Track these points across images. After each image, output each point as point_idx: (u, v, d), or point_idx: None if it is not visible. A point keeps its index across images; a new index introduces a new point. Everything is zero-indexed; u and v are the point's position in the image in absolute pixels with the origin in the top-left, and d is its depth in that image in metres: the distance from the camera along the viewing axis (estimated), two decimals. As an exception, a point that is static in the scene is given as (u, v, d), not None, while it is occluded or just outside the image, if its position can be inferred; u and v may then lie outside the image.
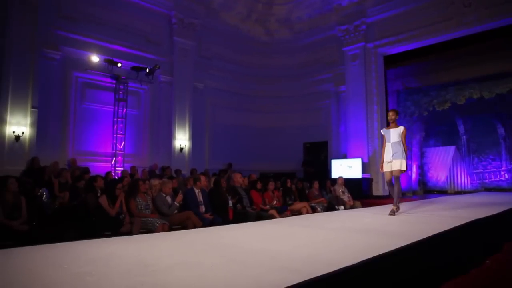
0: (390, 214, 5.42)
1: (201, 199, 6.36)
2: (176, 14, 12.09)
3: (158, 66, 11.10)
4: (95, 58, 10.11)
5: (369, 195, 11.68)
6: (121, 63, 10.44)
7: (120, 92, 10.87)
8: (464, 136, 14.83)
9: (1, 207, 4.68)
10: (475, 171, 14.55)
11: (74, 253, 3.07)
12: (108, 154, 10.69)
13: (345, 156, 12.75)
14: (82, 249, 3.28)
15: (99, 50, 10.33)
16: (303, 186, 8.96)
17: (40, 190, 6.43)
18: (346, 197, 8.78)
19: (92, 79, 10.54)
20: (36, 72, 9.14)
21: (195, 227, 5.40)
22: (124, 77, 10.80)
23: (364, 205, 8.82)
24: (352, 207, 8.46)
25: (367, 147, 12.25)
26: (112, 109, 10.77)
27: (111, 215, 5.25)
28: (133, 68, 10.87)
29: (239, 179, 7.54)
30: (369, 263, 2.47)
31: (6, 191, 4.81)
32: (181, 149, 12.12)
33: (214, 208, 6.41)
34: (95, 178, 6.15)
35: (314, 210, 7.77)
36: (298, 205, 7.86)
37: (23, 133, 8.85)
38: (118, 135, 10.77)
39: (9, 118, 8.70)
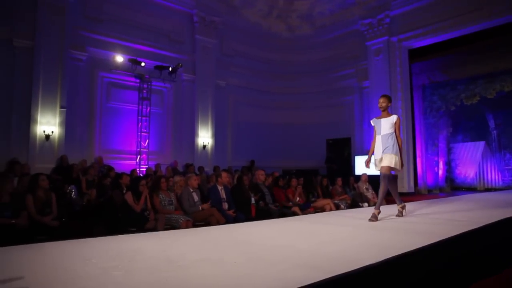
0: (370, 220, 4.48)
1: (224, 196, 6.41)
2: (197, 13, 12.18)
3: (180, 64, 11.22)
4: (119, 58, 10.32)
5: (394, 192, 11.43)
6: (144, 62, 10.61)
7: (144, 91, 11.06)
8: (495, 131, 14.31)
9: (34, 204, 4.86)
10: (507, 167, 14.02)
11: (102, 248, 3.15)
12: (133, 152, 10.91)
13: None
14: (109, 244, 3.37)
15: (124, 50, 10.54)
16: (327, 183, 8.88)
17: (69, 187, 6.64)
18: (370, 194, 8.65)
19: (117, 79, 10.77)
20: (64, 73, 9.43)
21: (218, 223, 5.44)
22: (147, 76, 10.98)
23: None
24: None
25: (392, 143, 12.00)
26: (136, 108, 10.98)
27: (136, 211, 5.36)
28: (156, 67, 11.03)
29: (261, 176, 7.55)
30: (393, 262, 2.43)
31: (38, 188, 4.98)
32: (204, 146, 12.23)
33: (237, 205, 6.44)
34: (120, 175, 6.29)
35: (337, 207, 7.68)
36: (321, 202, 7.80)
37: (52, 132, 9.15)
38: (142, 133, 10.97)
39: (39, 118, 9.02)
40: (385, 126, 4.83)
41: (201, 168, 10.59)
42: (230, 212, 6.19)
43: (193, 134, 12.10)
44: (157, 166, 10.24)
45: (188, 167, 10.49)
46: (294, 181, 7.90)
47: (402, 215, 4.88)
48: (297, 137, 14.63)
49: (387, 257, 2.44)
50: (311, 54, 14.69)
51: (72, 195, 6.55)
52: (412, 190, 12.10)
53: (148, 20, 11.29)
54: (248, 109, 14.14)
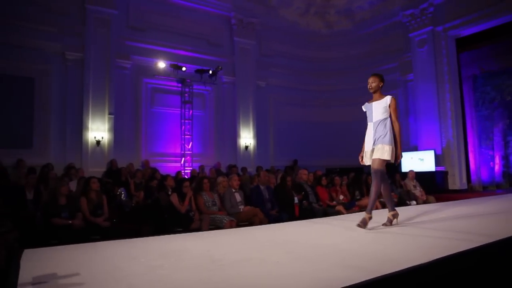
0: (358, 225, 3.75)
1: (267, 196, 6.43)
2: (235, 15, 12.32)
3: (220, 67, 11.40)
4: (161, 64, 10.67)
5: (444, 189, 10.91)
6: (185, 67, 10.90)
7: (186, 94, 11.36)
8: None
9: (87, 205, 5.15)
10: None
11: (149, 248, 3.28)
12: (177, 154, 11.24)
13: (416, 149, 12.05)
14: (156, 244, 3.50)
15: (165, 56, 10.88)
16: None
17: (119, 190, 6.97)
18: (418, 191, 8.30)
19: (160, 84, 11.14)
20: (111, 81, 9.92)
21: (261, 224, 5.47)
22: (189, 80, 11.26)
23: (439, 200, 8.27)
24: (425, 202, 7.97)
25: (440, 138, 11.45)
26: (179, 111, 11.30)
27: (182, 212, 5.51)
28: (197, 71, 11.28)
29: (304, 176, 7.49)
30: (442, 263, 2.32)
31: (90, 191, 5.27)
32: (246, 147, 12.34)
33: (280, 205, 6.44)
34: (165, 177, 6.49)
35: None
36: (366, 200, 7.57)
37: (102, 138, 9.65)
38: (185, 136, 11.27)
39: (90, 125, 9.55)
40: (377, 111, 4.03)
41: (244, 169, 10.70)
42: (273, 212, 6.20)
43: (235, 135, 12.25)
44: (201, 167, 10.47)
45: (231, 168, 10.64)
46: (337, 180, 7.76)
47: (390, 224, 3.91)
48: (340, 135, 14.34)
49: (436, 258, 2.34)
50: (351, 50, 14.36)
51: (122, 197, 6.86)
52: (465, 187, 11.47)
53: (188, 26, 11.58)
54: (289, 108, 14.08)
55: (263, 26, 13.06)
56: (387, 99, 4.02)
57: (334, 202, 7.17)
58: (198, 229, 5.26)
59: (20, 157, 8.32)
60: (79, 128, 9.50)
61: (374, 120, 4.04)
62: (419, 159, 11.56)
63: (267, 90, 13.51)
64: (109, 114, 9.83)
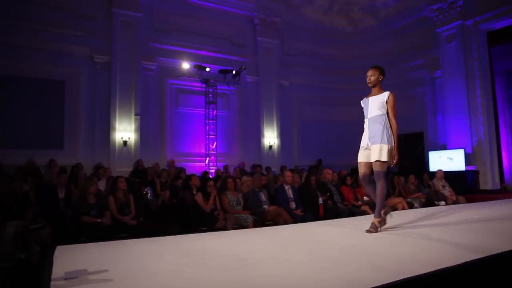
0: (368, 232, 3.54)
1: (291, 196, 6.41)
2: (258, 15, 12.33)
3: (243, 67, 11.45)
4: (185, 65, 10.82)
5: (475, 189, 10.54)
6: (209, 67, 11.00)
7: (210, 95, 11.46)
8: None
9: (115, 204, 5.29)
10: None
11: (175, 246, 3.32)
12: (202, 154, 11.36)
13: (444, 147, 11.70)
14: (181, 242, 3.55)
15: (189, 57, 11.02)
16: (398, 181, 8.46)
17: (145, 189, 7.11)
18: (447, 191, 8.06)
19: (184, 85, 11.29)
20: (136, 83, 10.14)
21: (286, 223, 5.45)
22: (212, 81, 11.37)
23: (470, 200, 8.00)
24: (454, 202, 7.74)
25: (470, 136, 11.07)
26: (203, 112, 11.41)
27: (206, 211, 5.56)
28: (221, 71, 11.37)
29: (329, 175, 7.42)
30: (473, 265, 2.24)
31: (118, 190, 5.41)
32: (270, 146, 12.33)
33: (305, 205, 6.40)
34: (190, 177, 6.58)
35: (410, 206, 7.28)
36: (393, 200, 7.44)
37: (129, 138, 9.88)
38: (210, 136, 11.38)
39: (117, 125, 9.79)
40: (373, 106, 3.74)
41: (268, 168, 10.70)
42: (298, 211, 6.17)
43: (259, 135, 12.27)
44: (225, 167, 10.55)
45: (255, 167, 10.66)
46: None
47: (376, 231, 3.55)
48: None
49: (467, 260, 2.27)
50: (376, 47, 14.08)
51: (148, 196, 7.00)
52: (498, 187, 11.04)
53: (211, 27, 11.68)
54: (312, 107, 13.98)
55: (286, 25, 13.02)
56: (385, 94, 3.73)
57: (360, 202, 7.07)
58: (223, 228, 5.30)
59: (52, 158, 8.64)
60: (107, 129, 9.76)
61: (369, 116, 3.76)
62: (448, 158, 11.22)
63: (291, 89, 13.46)
64: (135, 115, 10.06)
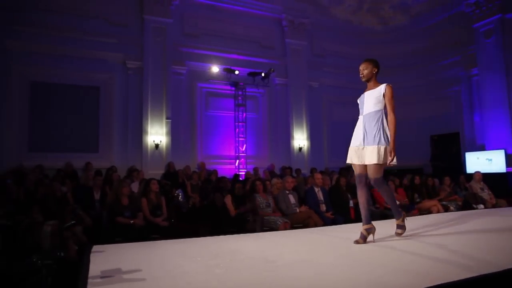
0: (397, 234, 3.43)
1: (322, 198, 6.34)
2: (286, 17, 12.31)
3: (272, 69, 11.45)
4: (215, 69, 10.95)
5: (517, 192, 10.01)
6: (238, 70, 11.08)
7: (239, 97, 11.54)
8: None
9: (147, 206, 5.42)
10: None
11: (205, 247, 3.37)
12: (232, 156, 11.45)
13: (483, 148, 11.21)
14: (212, 244, 3.59)
15: (218, 61, 11.14)
16: (433, 183, 8.18)
17: (176, 191, 7.24)
18: (486, 194, 7.70)
19: (214, 88, 11.42)
20: (167, 87, 10.37)
21: (316, 226, 5.40)
22: (242, 83, 11.43)
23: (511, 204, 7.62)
24: (494, 206, 7.39)
25: (511, 136, 10.55)
26: (233, 114, 11.50)
27: (232, 215, 5.59)
28: (250, 74, 11.42)
29: (360, 177, 7.27)
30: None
31: (150, 192, 5.54)
32: (300, 148, 12.26)
33: (335, 207, 6.32)
34: (220, 179, 6.64)
35: (446, 209, 7.02)
36: (427, 203, 7.22)
37: (160, 141, 10.10)
38: (239, 139, 11.45)
39: (149, 129, 10.05)
40: (368, 102, 3.41)
41: (298, 171, 10.63)
42: (328, 214, 6.10)
43: (288, 137, 12.22)
44: (255, 169, 10.57)
45: (284, 169, 10.62)
46: (396, 181, 7.46)
47: (364, 241, 3.25)
48: (397, 135, 13.74)
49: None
50: (408, 46, 13.71)
51: (179, 198, 7.12)
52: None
53: (239, 30, 11.77)
54: (343, 108, 13.75)
55: (314, 26, 12.92)
56: (381, 87, 3.41)
57: (392, 205, 6.88)
58: (253, 230, 5.31)
59: (88, 161, 8.97)
60: (139, 132, 10.02)
61: (364, 113, 3.42)
62: (486, 159, 10.75)
63: (320, 91, 13.33)
64: (167, 118, 10.28)
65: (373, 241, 3.29)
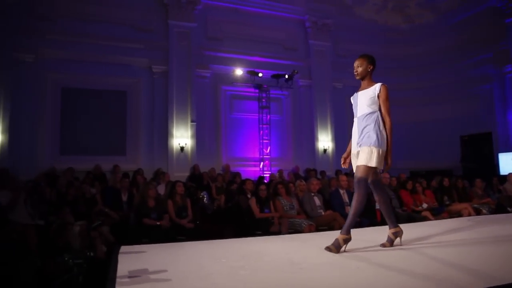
0: (327, 249, 3.01)
1: (347, 200, 6.26)
2: (309, 18, 12.25)
3: (296, 71, 11.40)
4: (239, 71, 11.01)
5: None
6: (262, 72, 11.10)
7: (263, 100, 11.56)
8: None
9: (173, 208, 5.51)
10: None
11: (230, 249, 3.39)
12: (256, 159, 11.47)
13: (517, 148, 10.78)
14: (237, 245, 3.60)
15: (242, 64, 11.20)
16: (463, 185, 7.92)
17: (201, 193, 7.32)
18: (521, 196, 7.39)
19: (238, 91, 11.50)
20: (192, 90, 10.52)
21: (341, 228, 5.30)
22: (265, 86, 11.45)
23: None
24: (530, 208, 7.07)
25: (547, 135, 10.09)
26: (257, 117, 11.52)
27: (257, 217, 5.59)
28: (273, 76, 11.41)
29: (386, 179, 7.14)
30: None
31: (176, 194, 5.63)
32: (325, 150, 12.15)
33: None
34: (244, 181, 6.66)
35: (478, 212, 6.78)
36: (457, 206, 6.99)
37: (186, 144, 10.25)
38: (264, 141, 11.46)
39: (175, 132, 10.22)
40: (362, 103, 3.20)
41: (322, 173, 10.53)
42: (354, 216, 6.00)
43: (313, 139, 12.13)
44: (280, 171, 10.55)
45: (309, 171, 10.55)
46: (423, 183, 7.27)
47: (391, 245, 3.15)
48: (425, 135, 13.40)
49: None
50: (435, 44, 13.35)
51: (204, 200, 7.20)
52: None
53: (262, 32, 11.80)
54: (367, 109, 13.56)
55: (338, 26, 12.78)
56: (376, 87, 3.19)
57: (420, 207, 6.71)
58: (278, 232, 5.30)
59: (115, 163, 9.20)
60: (165, 135, 10.20)
61: (358, 115, 3.21)
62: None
63: (344, 92, 13.12)
64: (191, 121, 10.43)
65: (401, 245, 3.15)
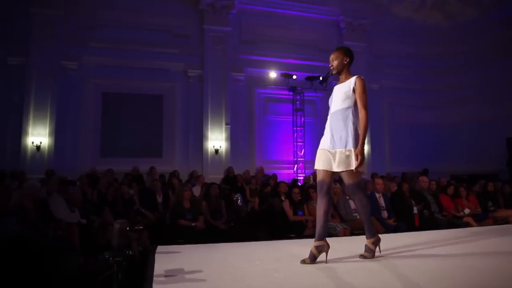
0: (362, 257, 2.88)
1: (383, 204, 6.10)
2: (344, 19, 12.08)
3: (331, 73, 11.18)
4: (273, 74, 11.03)
5: None
6: (296, 75, 11.06)
7: (297, 102, 11.51)
8: None
9: (208, 209, 5.59)
10: None
11: (264, 251, 3.39)
12: (290, 161, 11.43)
13: None
14: (270, 248, 3.60)
15: (276, 66, 11.21)
16: (511, 190, 7.48)
17: (236, 195, 7.36)
18: None
19: (272, 93, 11.52)
20: (226, 93, 10.66)
21: (377, 233, 5.19)
22: (299, 88, 11.40)
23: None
24: None
25: None
26: (291, 119, 11.49)
27: (290, 219, 5.56)
28: (307, 78, 11.33)
29: (424, 183, 6.89)
30: None
31: (211, 196, 5.71)
32: (359, 153, 11.90)
33: (398, 214, 6.04)
34: (278, 184, 6.65)
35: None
36: (504, 212, 6.62)
37: (220, 146, 10.39)
38: (298, 143, 11.40)
39: (210, 134, 10.38)
40: (337, 98, 2.93)
41: (358, 175, 10.32)
42: (391, 221, 5.84)
43: (347, 141, 11.92)
44: (314, 174, 10.45)
45: (343, 174, 10.36)
46: (463, 189, 6.95)
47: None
48: (467, 138, 12.79)
49: None
50: (478, 41, 12.72)
51: (238, 202, 7.23)
52: None
53: (296, 34, 11.75)
54: (405, 110, 13.15)
55: (373, 26, 12.52)
56: (352, 80, 2.91)
57: (462, 213, 6.42)
58: (312, 235, 5.24)
59: (152, 165, 9.46)
60: (200, 138, 10.39)
61: (332, 111, 2.96)
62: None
63: (381, 93, 12.85)
64: (226, 124, 10.56)
65: (326, 262, 2.77)
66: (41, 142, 9.10)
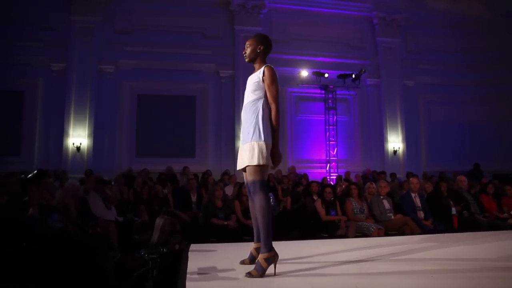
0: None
1: (419, 204, 5.91)
2: (376, 14, 11.79)
3: (363, 70, 11.04)
4: (304, 73, 10.94)
5: None
6: (328, 73, 10.91)
7: (329, 100, 11.36)
8: None
9: (240, 208, 5.63)
10: None
11: (297, 251, 3.38)
12: (322, 160, 11.31)
13: None
14: (303, 248, 3.60)
15: (307, 65, 11.11)
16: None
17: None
18: None
19: (303, 92, 11.43)
20: (259, 93, 10.70)
21: (412, 234, 5.05)
22: (331, 86, 11.24)
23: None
24: None
25: None
26: (323, 118, 11.35)
27: (323, 219, 5.50)
28: (340, 76, 11.16)
29: (463, 183, 6.61)
30: None
31: (243, 195, 5.75)
32: (395, 152, 11.60)
33: (435, 215, 5.83)
34: (310, 183, 6.60)
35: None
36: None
37: (254, 146, 10.44)
38: (330, 142, 11.25)
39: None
40: (248, 89, 2.74)
41: (393, 175, 10.06)
42: (427, 222, 5.66)
43: (382, 140, 11.66)
44: (347, 173, 10.29)
45: (378, 174, 10.14)
46: (509, 189, 6.61)
47: (261, 275, 2.38)
48: (510, 135, 12.14)
49: None
50: (523, 33, 12.07)
51: (271, 201, 7.24)
52: None
53: (328, 32, 11.61)
54: (442, 107, 12.67)
55: (408, 21, 12.14)
56: (261, 70, 2.76)
57: (505, 214, 6.10)
58: (344, 235, 5.18)
59: (185, 165, 9.66)
60: (232, 138, 10.49)
61: (244, 103, 2.74)
62: None
63: (416, 90, 12.45)
64: (262, 124, 10.60)
65: (274, 275, 2.43)
66: (81, 143, 9.55)
